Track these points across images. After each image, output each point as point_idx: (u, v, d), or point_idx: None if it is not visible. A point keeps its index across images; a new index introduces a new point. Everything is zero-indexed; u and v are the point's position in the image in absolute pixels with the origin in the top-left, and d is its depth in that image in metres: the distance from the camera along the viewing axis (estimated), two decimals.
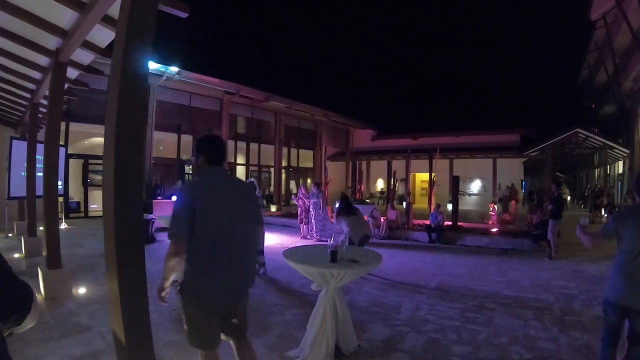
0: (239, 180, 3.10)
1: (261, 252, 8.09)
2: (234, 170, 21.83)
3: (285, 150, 25.31)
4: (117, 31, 2.80)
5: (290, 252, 4.33)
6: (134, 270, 2.55)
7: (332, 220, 13.12)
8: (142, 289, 2.59)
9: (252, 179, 14.41)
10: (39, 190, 7.68)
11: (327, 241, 4.42)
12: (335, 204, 11.27)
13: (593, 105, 31.86)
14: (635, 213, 3.30)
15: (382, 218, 13.65)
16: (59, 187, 11.16)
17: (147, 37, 2.67)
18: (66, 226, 13.52)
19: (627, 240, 3.24)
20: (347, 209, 8.09)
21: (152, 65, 16.08)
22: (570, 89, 37.91)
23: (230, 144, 21.19)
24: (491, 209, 17.21)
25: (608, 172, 26.08)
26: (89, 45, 5.82)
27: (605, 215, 18.20)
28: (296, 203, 13.77)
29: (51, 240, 6.14)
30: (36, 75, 7.45)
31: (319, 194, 12.46)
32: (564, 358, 4.34)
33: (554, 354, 4.45)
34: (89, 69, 7.37)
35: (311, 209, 12.49)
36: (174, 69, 16.62)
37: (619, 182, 24.21)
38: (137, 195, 2.61)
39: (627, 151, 20.53)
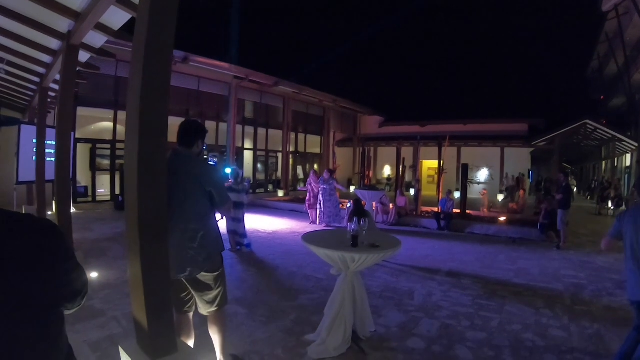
0: (193, 161, 3.19)
1: (236, 233, 8.48)
2: (241, 155, 21.84)
3: (292, 135, 25.18)
4: (139, 11, 2.73)
5: (309, 237, 4.33)
6: (157, 253, 2.53)
7: (342, 207, 13.16)
8: (166, 273, 2.59)
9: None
10: (48, 175, 7.74)
11: (335, 227, 4.43)
12: (348, 204, 11.27)
13: (602, 97, 31.66)
14: (632, 212, 3.50)
15: (390, 205, 13.69)
16: None
17: (171, 16, 2.61)
18: (74, 210, 13.53)
19: (626, 237, 3.46)
20: (359, 214, 8.04)
21: None
22: (579, 80, 37.66)
23: (238, 128, 21.16)
24: (482, 195, 17.25)
25: (615, 165, 25.96)
26: (102, 28, 5.65)
27: (612, 207, 18.19)
28: (306, 189, 13.74)
29: (63, 225, 6.02)
30: (46, 59, 7.30)
31: (330, 180, 12.43)
32: (575, 346, 4.38)
33: (566, 342, 4.50)
34: (102, 52, 7.31)
35: (320, 195, 12.47)
36: (182, 53, 16.54)
37: (627, 175, 24.10)
38: (160, 180, 2.59)
39: (636, 144, 20.41)
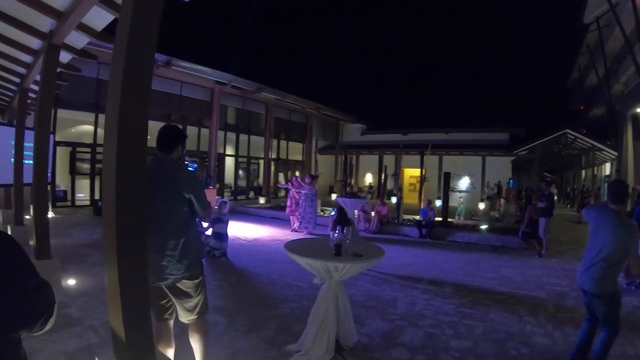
0: (173, 167, 3.12)
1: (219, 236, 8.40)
2: (222, 161, 21.73)
3: (275, 142, 25.12)
4: (122, 11, 2.66)
5: (292, 245, 4.26)
6: (135, 260, 2.45)
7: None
8: (144, 281, 2.51)
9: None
10: (27, 178, 7.49)
11: (317, 235, 4.37)
12: (332, 212, 11.19)
13: (582, 107, 32.17)
14: (598, 209, 3.88)
15: (372, 212, 13.66)
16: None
17: (154, 17, 2.54)
18: (53, 215, 13.28)
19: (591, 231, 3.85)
20: (343, 223, 7.95)
21: None
22: (560, 90, 38.23)
23: (220, 134, 21.07)
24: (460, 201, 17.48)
25: (595, 174, 26.35)
26: (84, 28, 5.53)
27: None
28: (287, 187, 13.65)
29: (40, 230, 5.89)
30: (27, 58, 7.14)
31: (311, 184, 12.34)
32: (560, 354, 4.37)
33: (550, 349, 4.50)
34: (82, 53, 7.17)
35: (301, 201, 12.38)
36: (164, 57, 16.44)
37: (606, 184, 24.41)
38: (139, 185, 2.51)
39: (615, 153, 20.74)
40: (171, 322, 3.22)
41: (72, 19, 4.99)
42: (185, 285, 3.04)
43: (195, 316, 3.15)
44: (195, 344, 3.25)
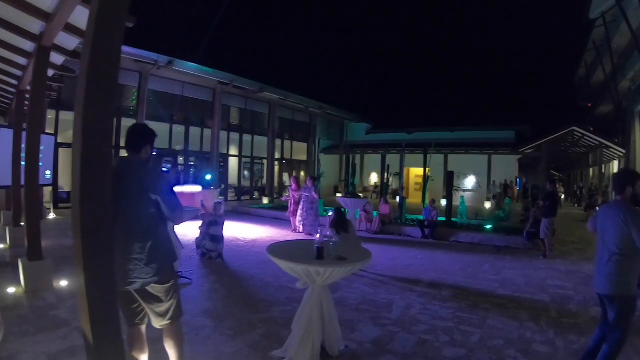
0: (140, 167, 3.00)
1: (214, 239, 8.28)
2: (226, 162, 21.66)
3: (278, 142, 25.00)
4: (91, 6, 2.58)
5: (274, 248, 4.11)
6: (101, 263, 2.38)
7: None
8: (110, 285, 2.44)
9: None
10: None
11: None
12: (329, 213, 11.03)
13: (589, 105, 31.87)
14: (605, 209, 3.82)
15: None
16: (48, 176, 11.01)
17: (120, 16, 2.48)
18: (55, 216, 13.32)
19: (598, 233, 3.78)
20: (341, 224, 7.77)
21: (144, 54, 15.84)
22: (566, 87, 37.90)
23: (223, 134, 20.96)
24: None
25: (603, 172, 26.05)
26: (72, 29, 5.54)
27: None
28: (287, 198, 13.53)
29: (32, 231, 5.92)
30: (22, 61, 7.17)
31: (312, 188, 12.19)
32: None
33: (551, 358, 4.29)
34: (75, 54, 7.09)
35: (301, 203, 12.23)
36: (166, 58, 16.39)
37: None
38: (103, 186, 2.42)
39: (623, 151, 20.46)
40: (143, 328, 3.11)
41: (59, 20, 4.99)
42: (156, 289, 2.93)
43: (168, 321, 3.04)
44: (170, 350, 3.14)
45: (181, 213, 3.12)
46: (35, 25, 5.57)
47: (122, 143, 3.21)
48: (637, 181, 3.57)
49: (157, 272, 2.88)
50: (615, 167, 24.46)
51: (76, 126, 2.44)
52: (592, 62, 27.05)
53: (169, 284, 2.99)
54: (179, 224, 5.48)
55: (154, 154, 3.25)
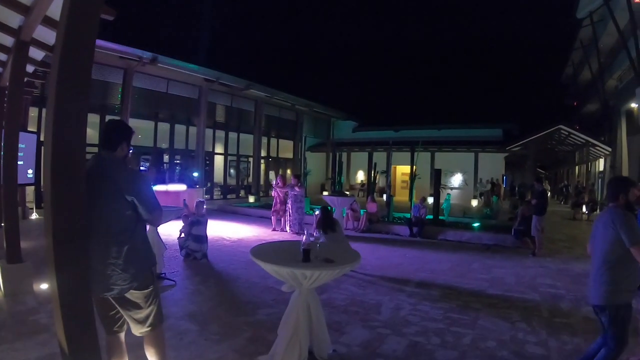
0: (116, 166, 2.82)
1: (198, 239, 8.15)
2: (212, 160, 21.45)
3: (265, 140, 24.78)
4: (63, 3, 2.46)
5: (259, 249, 3.92)
6: (74, 268, 2.28)
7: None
8: (85, 291, 2.34)
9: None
10: (20, 179, 7.51)
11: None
12: (316, 212, 10.84)
13: (575, 103, 32.11)
14: (600, 216, 3.72)
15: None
16: (30, 175, 10.71)
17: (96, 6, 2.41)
18: (37, 216, 12.96)
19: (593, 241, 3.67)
20: (327, 223, 7.56)
21: (129, 50, 15.54)
22: (553, 86, 38.14)
23: (209, 132, 20.71)
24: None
25: (589, 169, 26.22)
26: (51, 23, 5.28)
27: (587, 212, 18.18)
28: (273, 194, 13.28)
29: (10, 232, 5.71)
30: (1, 57, 6.92)
31: (296, 186, 11.98)
32: None
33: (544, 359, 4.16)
34: (53, 49, 6.85)
35: (289, 202, 12.02)
36: (150, 54, 16.11)
37: (600, 180, 24.33)
38: (76, 186, 2.29)
39: (609, 149, 20.58)
40: (122, 335, 2.95)
41: (37, 12, 4.81)
42: (134, 295, 2.76)
43: (148, 328, 2.88)
44: (152, 358, 2.98)
45: (160, 215, 2.94)
46: (14, 19, 5.35)
47: None
48: (631, 189, 3.48)
49: (135, 277, 2.73)
50: (601, 165, 24.64)
51: (47, 122, 2.31)
52: (579, 61, 27.23)
53: (148, 290, 2.83)
54: (158, 226, 5.26)
55: (131, 152, 3.05)
